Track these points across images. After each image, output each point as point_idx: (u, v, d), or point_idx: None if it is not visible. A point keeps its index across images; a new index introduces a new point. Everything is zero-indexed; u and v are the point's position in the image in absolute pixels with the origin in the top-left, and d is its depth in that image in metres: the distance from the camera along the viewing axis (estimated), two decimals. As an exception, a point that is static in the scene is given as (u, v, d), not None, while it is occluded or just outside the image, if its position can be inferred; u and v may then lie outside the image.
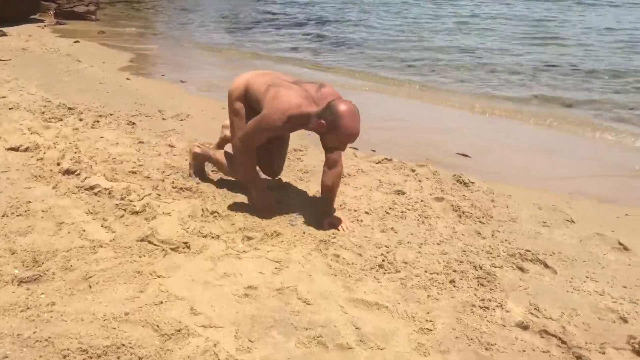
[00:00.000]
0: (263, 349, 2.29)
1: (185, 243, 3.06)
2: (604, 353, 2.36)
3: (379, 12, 17.53)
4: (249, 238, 3.18)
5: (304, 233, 3.28)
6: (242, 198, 3.69)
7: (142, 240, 3.07)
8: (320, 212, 3.49)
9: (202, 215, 3.41)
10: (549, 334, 2.48)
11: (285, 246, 3.11)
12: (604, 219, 3.86)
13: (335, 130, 3.16)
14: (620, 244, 3.43)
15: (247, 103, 3.50)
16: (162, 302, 2.54)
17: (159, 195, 3.64)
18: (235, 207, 3.54)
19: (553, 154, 5.52)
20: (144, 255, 2.95)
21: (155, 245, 3.04)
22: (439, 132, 6.14)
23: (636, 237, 3.59)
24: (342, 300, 2.65)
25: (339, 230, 3.36)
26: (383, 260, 3.00)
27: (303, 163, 4.59)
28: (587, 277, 3.01)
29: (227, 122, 3.97)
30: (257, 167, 3.63)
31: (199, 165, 4.06)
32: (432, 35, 13.13)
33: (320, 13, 17.30)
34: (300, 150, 4.88)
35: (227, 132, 4.00)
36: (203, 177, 4.06)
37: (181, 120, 5.70)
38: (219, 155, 3.86)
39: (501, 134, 6.22)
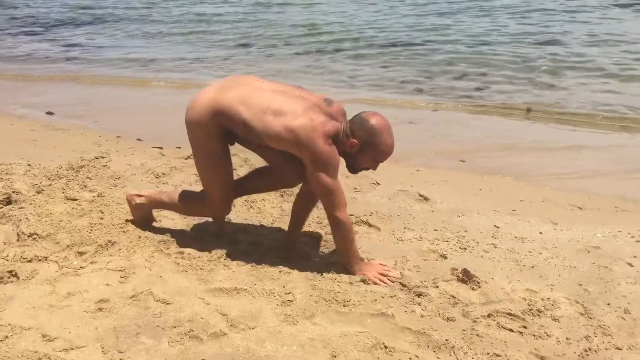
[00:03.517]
0: (137, 357, 2.24)
1: (11, 272, 2.79)
2: (437, 287, 2.75)
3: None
4: (82, 253, 3.00)
5: (139, 237, 3.18)
6: (58, 214, 3.41)
7: (-45, 279, 2.73)
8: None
9: (18, 240, 3.12)
10: (390, 281, 2.80)
11: (124, 253, 3.00)
12: (401, 177, 4.38)
13: (371, 148, 2.72)
14: (420, 195, 3.96)
15: (221, 132, 2.81)
16: (7, 337, 2.32)
17: (-41, 228, 3.23)
18: (54, 225, 3.24)
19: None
20: (-35, 294, 2.64)
21: (-26, 281, 2.74)
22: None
23: (430, 187, 4.16)
24: (200, 292, 2.67)
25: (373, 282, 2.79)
26: (229, 248, 3.07)
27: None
28: (404, 228, 3.44)
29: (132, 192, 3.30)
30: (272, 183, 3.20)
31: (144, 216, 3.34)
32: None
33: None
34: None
35: (141, 200, 3.25)
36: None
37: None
38: (171, 196, 3.20)
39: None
